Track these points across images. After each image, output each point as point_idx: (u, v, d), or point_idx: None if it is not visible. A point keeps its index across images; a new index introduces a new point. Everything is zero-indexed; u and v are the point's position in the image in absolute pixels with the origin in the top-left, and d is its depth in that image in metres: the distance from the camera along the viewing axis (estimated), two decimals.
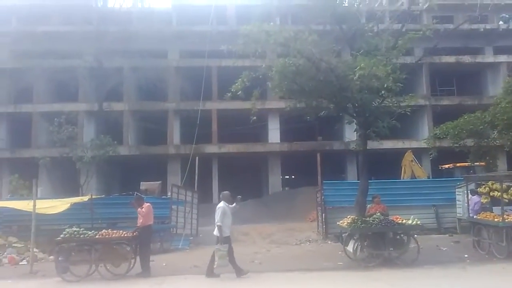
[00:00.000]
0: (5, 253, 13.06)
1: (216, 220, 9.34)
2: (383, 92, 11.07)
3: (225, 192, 10.01)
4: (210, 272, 9.31)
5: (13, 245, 13.51)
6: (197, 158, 20.86)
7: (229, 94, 11.39)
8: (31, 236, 11.18)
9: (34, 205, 11.26)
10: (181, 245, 14.77)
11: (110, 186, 27.41)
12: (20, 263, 12.44)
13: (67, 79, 25.99)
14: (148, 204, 10.52)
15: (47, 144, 26.20)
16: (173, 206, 15.37)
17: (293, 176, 36.05)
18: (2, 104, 28.10)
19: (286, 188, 30.90)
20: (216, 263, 9.11)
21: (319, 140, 28.53)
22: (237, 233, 18.35)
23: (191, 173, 22.13)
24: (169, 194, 17.63)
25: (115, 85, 26.81)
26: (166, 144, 28.67)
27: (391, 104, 11.85)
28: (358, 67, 9.84)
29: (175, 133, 29.16)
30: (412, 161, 21.94)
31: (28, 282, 9.81)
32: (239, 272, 9.30)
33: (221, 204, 9.57)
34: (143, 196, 12.24)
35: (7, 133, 28.87)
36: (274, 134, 29.33)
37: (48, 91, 28.49)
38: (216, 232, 9.34)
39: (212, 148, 28.23)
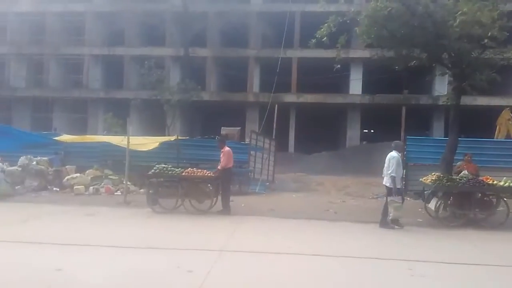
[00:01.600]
0: (102, 183, 14.56)
1: (389, 171, 8.81)
2: (485, 41, 10.01)
3: (398, 141, 9.66)
4: (385, 223, 8.96)
5: (109, 177, 14.98)
6: (276, 106, 20.92)
7: (313, 40, 11.02)
8: (125, 170, 12.28)
9: (128, 142, 12.24)
10: (258, 190, 15.30)
11: (193, 129, 28.75)
12: (115, 194, 13.84)
13: (156, 24, 26.92)
14: (228, 148, 10.91)
15: (138, 86, 27.91)
16: (251, 152, 15.81)
17: (372, 131, 34.92)
18: (97, 46, 30.11)
19: (364, 142, 30.12)
20: (391, 214, 8.79)
21: (405, 94, 26.97)
22: (312, 182, 18.54)
23: (268, 121, 22.37)
24: (247, 140, 18.09)
25: (199, 30, 27.28)
26: (246, 92, 29.08)
27: (493, 55, 10.72)
28: (459, 12, 8.94)
29: (255, 81, 29.37)
30: (509, 119, 19.98)
31: (123, 210, 10.88)
32: (395, 224, 8.91)
33: (394, 153, 8.98)
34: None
35: (102, 74, 31.16)
36: (355, 85, 28.29)
37: (139, 35, 29.84)
38: (389, 183, 8.87)
39: (290, 97, 28.09)
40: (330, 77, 20.55)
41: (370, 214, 10.57)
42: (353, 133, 28.51)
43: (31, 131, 19.65)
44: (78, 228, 8.47)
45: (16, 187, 13.64)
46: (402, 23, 10.13)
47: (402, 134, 17.96)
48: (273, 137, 19.26)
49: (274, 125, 20.26)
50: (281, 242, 7.53)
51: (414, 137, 15.87)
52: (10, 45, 30.53)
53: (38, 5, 30.09)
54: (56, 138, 15.69)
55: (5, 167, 13.80)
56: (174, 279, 5.26)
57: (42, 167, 14.81)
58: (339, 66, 11.82)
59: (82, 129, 26.36)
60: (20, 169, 14.36)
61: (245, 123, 27.55)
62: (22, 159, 14.65)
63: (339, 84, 29.64)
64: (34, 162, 14.75)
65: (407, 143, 14.81)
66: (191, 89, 23.25)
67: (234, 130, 19.18)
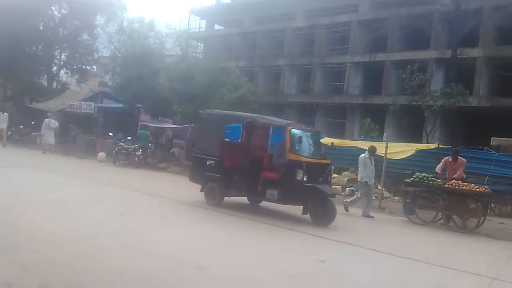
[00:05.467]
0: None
1: None
2: None
3: None
4: None
5: None
6: None
7: None
8: (380, 176, 12.24)
9: (386, 148, 12.19)
10: None
11: (454, 137, 26.20)
12: None
13: (420, 26, 25.86)
14: (463, 160, 10.43)
15: (396, 92, 27.45)
16: None
17: None
18: (359, 54, 31.25)
19: None
20: None
21: None
22: None
23: None
24: None
25: (470, 29, 24.60)
26: None
27: None
28: None
29: None
30: None
31: (377, 215, 10.75)
32: None
33: None
34: (492, 151, 11.24)
35: (361, 81, 32.18)
36: None
37: (401, 39, 29.37)
38: None
39: None
40: None
41: None
42: None
43: None
44: (341, 227, 8.74)
45: None
46: None
47: None
48: None
49: None
50: None
51: None
52: (285, 58, 35.25)
53: (311, 19, 33.74)
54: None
55: None
56: None
57: None
58: None
59: (340, 132, 27.87)
60: None
61: None
62: None
63: None
64: None
65: None
66: (458, 93, 21.10)
67: (510, 141, 16.37)
